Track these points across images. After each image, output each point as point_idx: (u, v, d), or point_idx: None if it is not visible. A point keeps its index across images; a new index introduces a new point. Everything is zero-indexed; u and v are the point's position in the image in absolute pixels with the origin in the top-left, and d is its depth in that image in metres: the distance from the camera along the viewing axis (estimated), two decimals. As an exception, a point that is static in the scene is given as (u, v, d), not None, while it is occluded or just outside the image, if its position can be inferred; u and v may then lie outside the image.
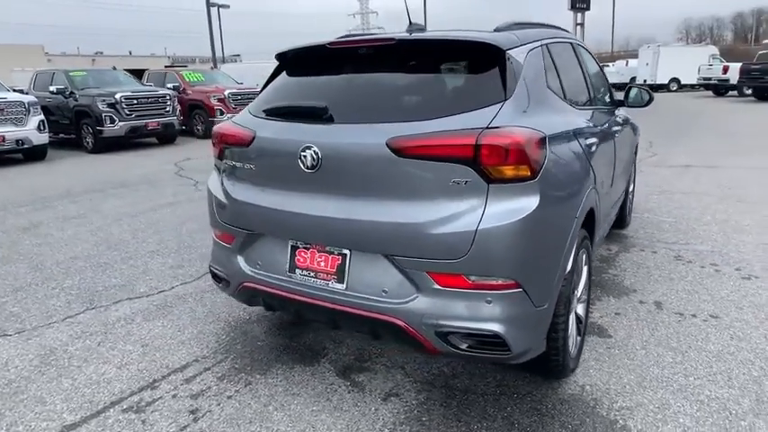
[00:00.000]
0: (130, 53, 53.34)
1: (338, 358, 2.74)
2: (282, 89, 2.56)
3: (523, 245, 1.90)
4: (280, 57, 2.64)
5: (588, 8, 57.48)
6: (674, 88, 30.05)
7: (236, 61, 31.73)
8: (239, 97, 13.22)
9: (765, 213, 5.07)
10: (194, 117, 13.53)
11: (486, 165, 1.86)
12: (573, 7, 55.68)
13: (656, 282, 3.59)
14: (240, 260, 2.47)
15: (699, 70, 25.10)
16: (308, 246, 2.23)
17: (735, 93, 22.34)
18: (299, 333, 3.01)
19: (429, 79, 2.26)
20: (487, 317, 1.94)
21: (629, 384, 2.43)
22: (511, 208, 1.88)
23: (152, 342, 2.95)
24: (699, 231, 4.63)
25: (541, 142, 1.96)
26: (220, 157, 2.57)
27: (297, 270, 2.27)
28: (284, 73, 2.63)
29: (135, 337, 3.01)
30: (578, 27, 55.75)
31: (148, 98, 11.57)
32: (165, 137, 12.35)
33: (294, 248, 2.28)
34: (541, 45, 2.45)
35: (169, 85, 13.23)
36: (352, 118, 2.17)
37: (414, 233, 1.95)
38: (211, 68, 21.10)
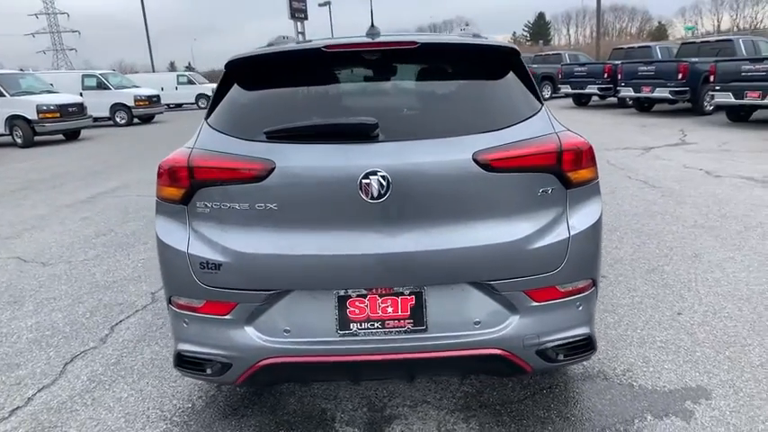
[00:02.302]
0: None
1: (352, 417, 2.33)
2: (270, 103, 2.00)
3: (598, 243, 1.95)
4: (243, 63, 2.05)
5: (306, 18, 61.51)
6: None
7: None
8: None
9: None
10: None
11: (567, 170, 1.84)
12: (292, 17, 58.78)
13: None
14: (251, 332, 1.85)
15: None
16: (366, 292, 1.82)
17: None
18: (277, 404, 2.44)
19: (471, 87, 2.07)
20: (579, 322, 1.94)
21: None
22: (586, 211, 1.91)
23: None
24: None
25: None
26: (186, 198, 1.86)
27: (352, 325, 1.83)
28: (251, 83, 2.05)
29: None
30: (300, 36, 59.28)
31: None
32: None
33: (344, 299, 1.83)
34: None
35: None
36: (410, 132, 1.84)
37: (510, 252, 1.79)
38: None
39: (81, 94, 17.09)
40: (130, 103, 18.68)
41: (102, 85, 18.79)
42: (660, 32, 79.99)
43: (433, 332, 1.82)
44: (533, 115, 1.93)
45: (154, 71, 33.98)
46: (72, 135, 14.95)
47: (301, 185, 1.78)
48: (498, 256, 1.79)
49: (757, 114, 11.58)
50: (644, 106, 14.50)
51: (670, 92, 12.57)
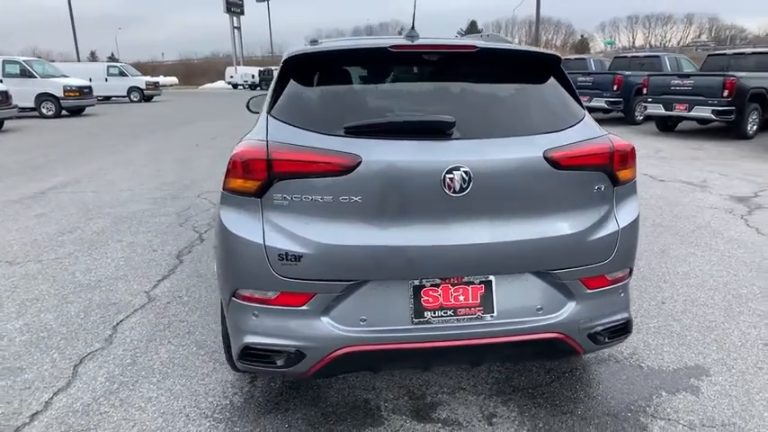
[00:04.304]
0: None
1: (396, 405, 2.40)
2: (339, 98, 2.04)
3: (637, 236, 2.16)
4: (306, 58, 2.07)
5: (242, 12, 59.76)
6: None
7: None
8: None
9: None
10: None
11: (616, 170, 2.03)
12: (228, 11, 56.89)
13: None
14: (326, 323, 1.89)
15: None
16: (440, 282, 1.91)
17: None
18: (318, 397, 2.46)
19: (527, 90, 2.20)
20: (621, 307, 2.14)
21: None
22: (629, 207, 2.11)
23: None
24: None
25: None
26: (261, 191, 1.86)
27: (426, 313, 1.91)
28: (316, 79, 2.08)
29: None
30: (235, 30, 57.47)
31: None
32: None
33: (418, 289, 1.91)
34: None
35: None
36: (480, 131, 1.95)
37: (571, 244, 1.95)
38: None
39: (1, 81, 15.69)
40: (59, 93, 17.37)
41: (26, 73, 17.33)
42: (583, 45, 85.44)
43: (501, 318, 1.94)
44: (583, 118, 2.11)
45: (79, 60, 31.78)
46: (-7, 126, 13.72)
47: (386, 179, 1.84)
48: (561, 247, 1.95)
49: (682, 125, 12.74)
50: (580, 115, 15.36)
51: (606, 101, 13.51)
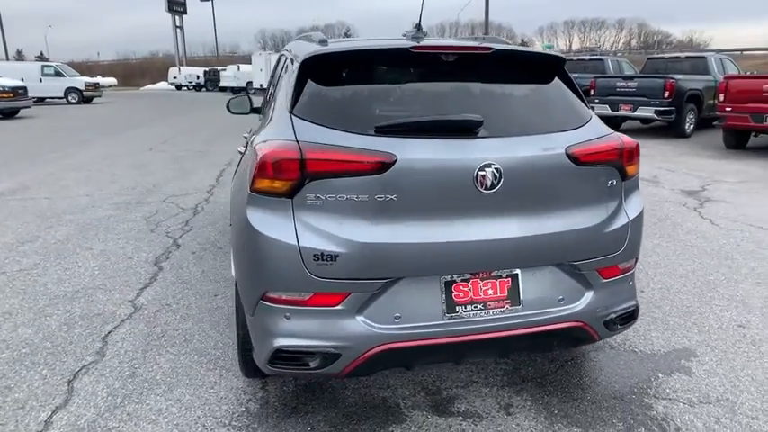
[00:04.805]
0: None
1: (415, 402, 2.43)
2: (363, 98, 2.04)
3: (642, 228, 2.29)
4: (327, 58, 2.06)
5: (185, 11, 57.68)
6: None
7: None
8: None
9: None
10: None
11: (625, 165, 2.15)
12: (170, 10, 54.77)
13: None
14: (361, 321, 1.89)
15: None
16: (470, 276, 1.96)
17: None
18: (334, 398, 2.45)
19: (539, 90, 2.27)
20: (631, 294, 2.26)
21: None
22: (635, 200, 2.24)
23: None
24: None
25: None
26: (293, 191, 1.84)
27: (457, 308, 1.95)
28: (338, 78, 2.08)
29: None
30: (178, 30, 55.43)
31: None
32: None
33: (449, 284, 1.95)
34: None
35: None
36: (503, 129, 2.01)
37: (590, 236, 2.05)
38: None
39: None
40: (-10, 94, 16.21)
41: (-49, 73, 16.05)
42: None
43: (527, 310, 2.01)
44: (591, 117, 2.22)
45: (8, 59, 29.71)
46: None
47: (421, 177, 1.86)
48: (581, 239, 2.05)
49: (626, 125, 13.46)
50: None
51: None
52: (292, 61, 2.37)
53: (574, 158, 2.01)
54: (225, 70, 38.17)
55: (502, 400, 2.44)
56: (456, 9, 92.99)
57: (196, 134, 12.70)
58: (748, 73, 12.44)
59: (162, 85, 47.65)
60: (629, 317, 2.28)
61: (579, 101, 2.29)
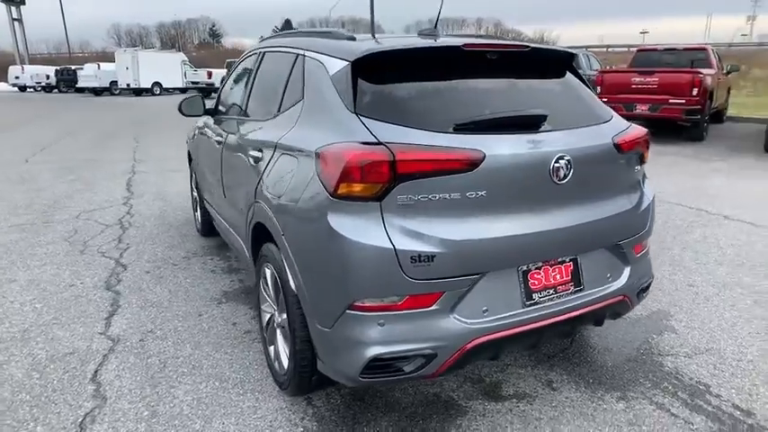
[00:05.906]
0: None
1: (466, 392, 2.48)
2: (429, 95, 2.02)
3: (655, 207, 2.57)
4: (379, 58, 2.03)
5: (23, 2, 50.09)
6: (158, 92, 31.39)
7: None
8: None
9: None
10: None
11: (644, 152, 2.41)
12: (5, 0, 47.19)
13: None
14: (454, 319, 1.89)
15: (186, 75, 27.51)
16: (542, 264, 2.06)
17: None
18: (387, 404, 2.41)
19: (571, 85, 2.41)
20: (650, 267, 2.54)
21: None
22: (647, 182, 2.51)
23: None
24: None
25: None
26: (382, 194, 1.78)
27: (534, 295, 2.04)
28: (397, 76, 2.04)
29: None
30: (15, 23, 48.10)
31: None
32: None
33: (525, 273, 2.03)
34: None
35: None
36: (561, 121, 2.12)
37: (630, 217, 2.27)
38: None
39: None
40: None
41: None
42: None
43: (588, 290, 2.17)
44: (612, 111, 2.44)
45: None
46: None
47: (506, 172, 1.91)
48: (625, 220, 2.26)
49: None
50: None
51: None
52: (317, 59, 2.28)
53: (618, 147, 2.21)
54: (83, 69, 34.08)
55: (542, 379, 2.59)
56: (324, 6, 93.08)
57: (77, 140, 11.30)
58: (609, 67, 13.90)
59: (1, 86, 41.05)
60: (648, 288, 2.56)
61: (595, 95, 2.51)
